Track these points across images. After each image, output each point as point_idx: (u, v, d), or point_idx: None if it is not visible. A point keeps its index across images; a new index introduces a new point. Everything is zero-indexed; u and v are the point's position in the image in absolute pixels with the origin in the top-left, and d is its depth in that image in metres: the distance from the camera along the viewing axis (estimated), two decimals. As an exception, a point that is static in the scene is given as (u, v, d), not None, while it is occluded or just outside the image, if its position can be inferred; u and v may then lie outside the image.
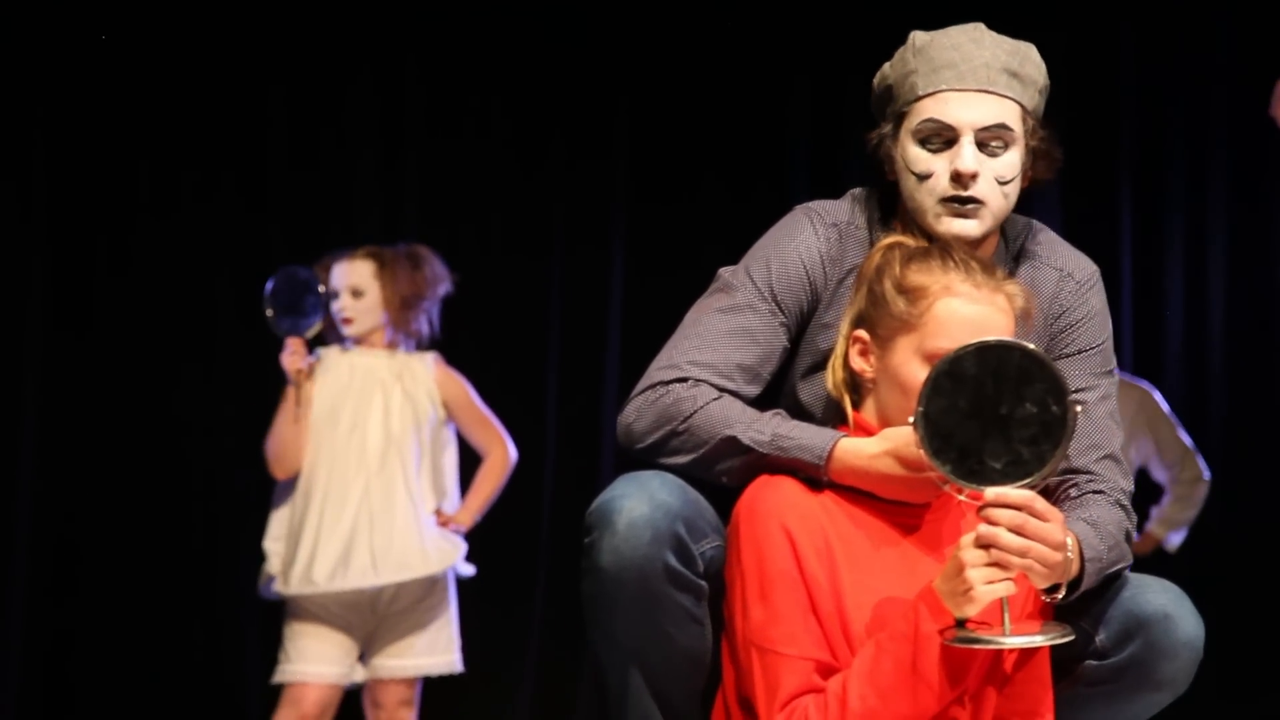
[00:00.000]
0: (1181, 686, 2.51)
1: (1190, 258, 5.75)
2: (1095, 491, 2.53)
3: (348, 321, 4.55)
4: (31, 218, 5.40)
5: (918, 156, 2.54)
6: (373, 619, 4.49)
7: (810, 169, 5.68)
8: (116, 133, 5.45)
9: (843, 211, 2.65)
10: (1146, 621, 2.47)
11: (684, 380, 2.52)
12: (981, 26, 2.58)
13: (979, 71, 2.53)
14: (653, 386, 2.53)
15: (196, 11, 5.51)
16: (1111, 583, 2.50)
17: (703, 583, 2.45)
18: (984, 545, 2.23)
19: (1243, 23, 5.68)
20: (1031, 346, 2.26)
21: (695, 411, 2.48)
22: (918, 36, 2.58)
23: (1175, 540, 5.15)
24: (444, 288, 4.67)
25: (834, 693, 2.33)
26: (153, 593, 5.41)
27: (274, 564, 4.50)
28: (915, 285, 2.42)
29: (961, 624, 2.28)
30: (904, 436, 2.35)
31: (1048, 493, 2.50)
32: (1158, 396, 5.21)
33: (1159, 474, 5.24)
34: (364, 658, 4.53)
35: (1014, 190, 2.55)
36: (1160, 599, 2.49)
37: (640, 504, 2.40)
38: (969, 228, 2.52)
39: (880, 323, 2.44)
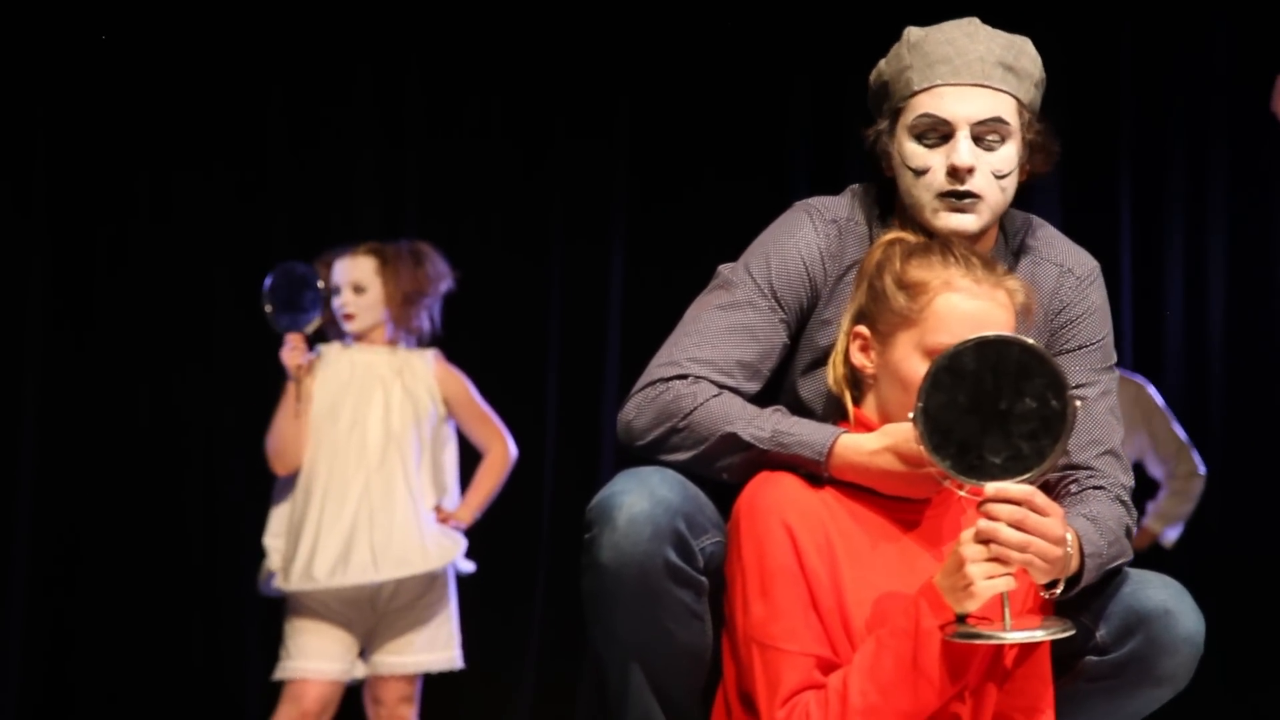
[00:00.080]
0: (1182, 682, 2.51)
1: (1190, 253, 5.75)
2: (1095, 487, 2.53)
3: (349, 317, 4.55)
4: (32, 215, 5.40)
5: (914, 152, 2.54)
6: (373, 615, 4.49)
7: (810, 166, 5.68)
8: (117, 131, 5.45)
9: (842, 208, 2.65)
10: (1147, 617, 2.47)
11: (684, 377, 2.52)
12: (976, 21, 2.58)
13: (974, 66, 2.53)
14: (653, 383, 2.54)
15: (196, 9, 5.51)
16: (1112, 578, 2.50)
17: (703, 578, 2.45)
18: (984, 540, 2.24)
19: (1242, 18, 5.68)
20: (1031, 341, 2.27)
21: (695, 408, 2.49)
22: (912, 32, 2.59)
23: (1171, 535, 5.15)
24: (446, 284, 4.67)
25: (835, 688, 2.33)
26: (153, 589, 5.41)
27: (274, 560, 4.50)
28: (915, 281, 2.42)
29: (962, 619, 2.28)
30: (904, 432, 2.35)
31: (1048, 488, 2.50)
32: (1152, 391, 5.21)
33: (1154, 469, 5.24)
34: (364, 654, 4.53)
35: (1011, 184, 2.55)
36: (1161, 594, 2.49)
37: (640, 500, 2.40)
38: (966, 222, 2.52)
39: (881, 318, 2.44)
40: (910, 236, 2.52)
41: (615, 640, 2.47)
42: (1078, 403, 2.27)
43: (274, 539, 4.53)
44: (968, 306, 2.40)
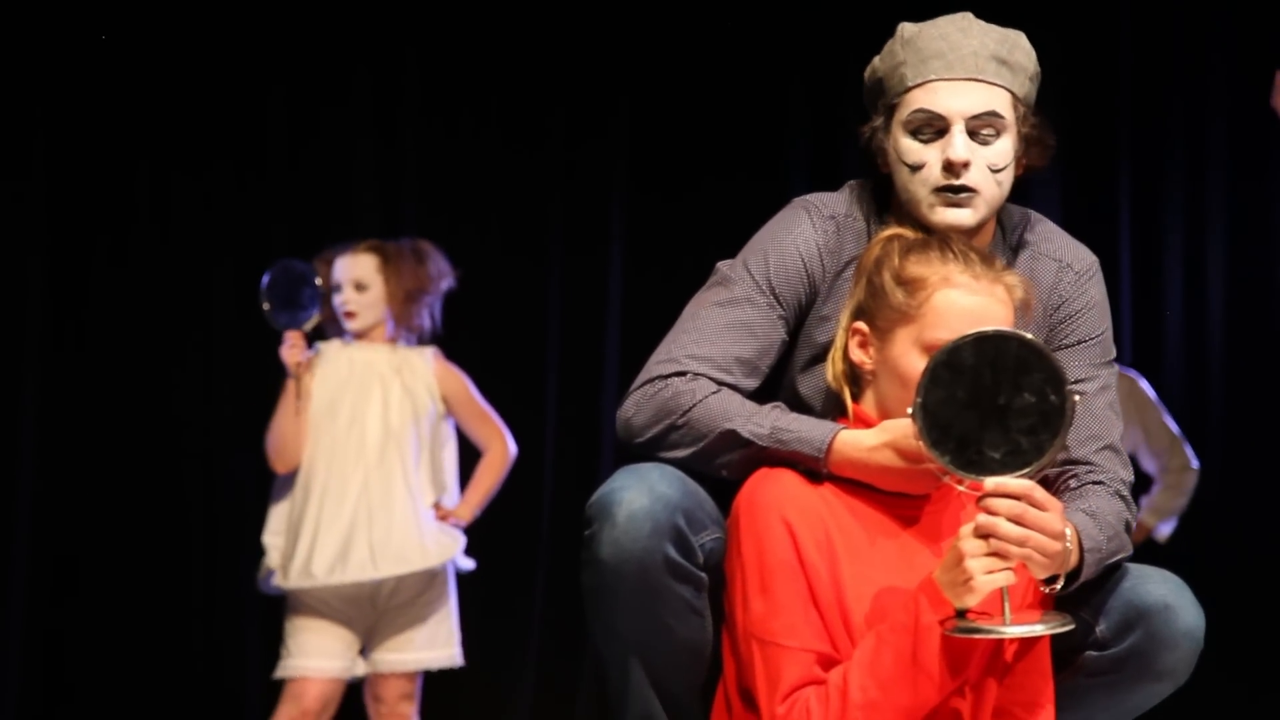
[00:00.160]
0: (1182, 677, 2.51)
1: (1189, 249, 5.75)
2: (1095, 482, 2.53)
3: (351, 315, 4.55)
4: (31, 215, 5.40)
5: (909, 147, 2.54)
6: (373, 613, 4.49)
7: (809, 164, 5.68)
8: (116, 131, 5.45)
9: (840, 204, 2.65)
10: (1147, 612, 2.47)
11: (682, 374, 2.52)
12: (969, 16, 2.59)
13: (967, 60, 2.53)
14: (651, 380, 2.54)
15: (195, 9, 5.51)
16: (1111, 573, 2.50)
17: (703, 574, 2.45)
18: (983, 535, 2.24)
19: (1242, 13, 5.68)
20: (1029, 336, 2.26)
21: (694, 405, 2.49)
22: (905, 28, 2.59)
23: (1165, 530, 5.15)
24: (447, 283, 4.67)
25: (835, 684, 2.33)
26: (152, 588, 5.41)
27: (273, 558, 4.50)
28: (914, 277, 2.42)
29: (962, 614, 2.28)
30: (903, 428, 2.35)
31: (1047, 483, 2.50)
32: (1144, 385, 5.21)
33: (1147, 463, 5.23)
34: (365, 652, 4.54)
35: (1007, 178, 2.55)
36: (1160, 589, 2.49)
37: (640, 496, 2.40)
38: (963, 217, 2.52)
39: (879, 314, 2.45)
40: (908, 232, 2.52)
41: (615, 636, 2.47)
42: (1076, 397, 2.27)
43: (273, 537, 4.53)
44: (966, 302, 2.40)
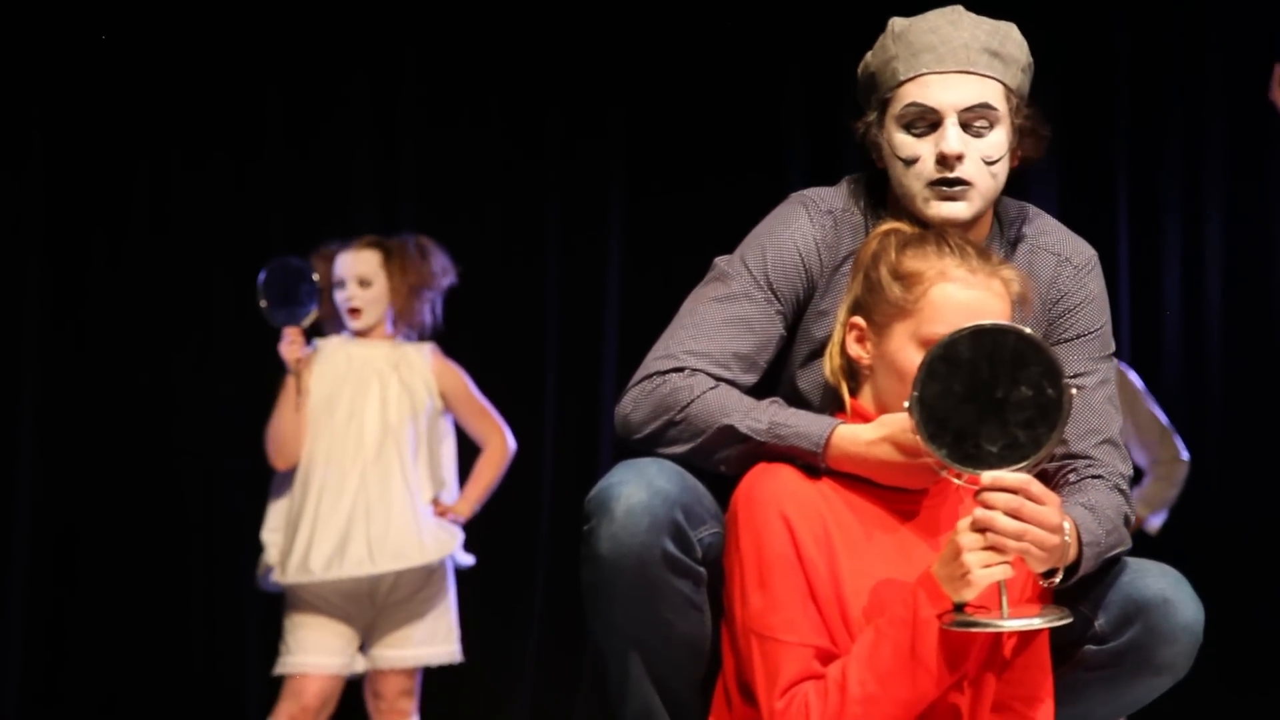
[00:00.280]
0: (1181, 671, 2.51)
1: (1187, 243, 5.75)
2: (1094, 476, 2.52)
3: (356, 312, 4.55)
4: (29, 214, 5.40)
5: (903, 142, 2.54)
6: (372, 609, 4.49)
7: (807, 160, 5.68)
8: (114, 130, 5.45)
9: (838, 198, 2.65)
10: (1146, 606, 2.47)
11: (680, 370, 2.52)
12: (960, 8, 2.58)
13: (958, 53, 2.53)
14: (649, 377, 2.53)
15: (193, 8, 5.50)
16: (1110, 567, 2.49)
17: (701, 569, 2.45)
18: (980, 529, 2.23)
19: (1240, 5, 5.67)
20: (1026, 330, 2.26)
21: (692, 401, 2.48)
22: (896, 22, 2.59)
23: (1156, 522, 5.14)
24: (449, 279, 4.68)
25: (834, 679, 2.33)
26: (152, 585, 5.41)
27: (272, 554, 4.50)
28: (911, 271, 2.42)
29: (960, 608, 2.28)
30: (900, 422, 2.35)
31: (1046, 478, 2.50)
32: (1133, 376, 5.20)
33: (1137, 454, 5.22)
34: (364, 648, 4.54)
35: (1002, 170, 2.55)
36: (1160, 583, 2.49)
37: (638, 491, 2.40)
38: (958, 210, 2.52)
39: (876, 309, 2.44)
40: (905, 227, 2.52)
41: (614, 631, 2.47)
42: (1074, 391, 2.27)
43: (272, 533, 4.53)
44: (963, 296, 2.40)
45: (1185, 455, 5.09)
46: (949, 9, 2.58)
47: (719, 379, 2.52)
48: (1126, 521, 2.51)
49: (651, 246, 5.64)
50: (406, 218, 5.48)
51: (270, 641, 4.60)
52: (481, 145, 5.69)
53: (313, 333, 4.60)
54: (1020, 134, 2.58)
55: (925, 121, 2.53)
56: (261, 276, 4.58)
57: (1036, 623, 2.31)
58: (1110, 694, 2.54)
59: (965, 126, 2.52)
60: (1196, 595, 2.50)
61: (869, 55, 2.62)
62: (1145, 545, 4.97)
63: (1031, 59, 2.60)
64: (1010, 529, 2.23)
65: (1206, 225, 5.74)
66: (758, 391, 2.55)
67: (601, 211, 5.71)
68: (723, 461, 2.49)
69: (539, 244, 5.71)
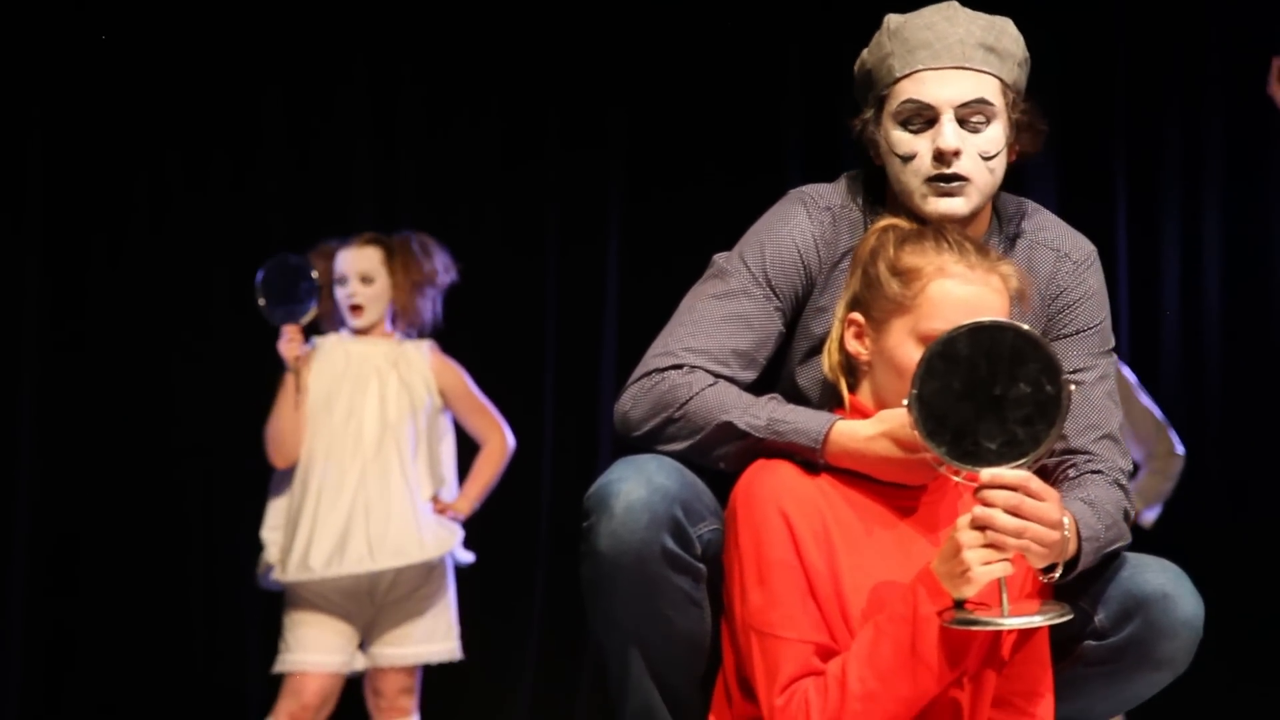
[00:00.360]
0: (1181, 666, 2.51)
1: (1186, 238, 5.75)
2: (1093, 471, 2.53)
3: (357, 309, 4.55)
4: (28, 214, 5.40)
5: (900, 139, 2.54)
6: (371, 607, 4.50)
7: (806, 158, 5.68)
8: (113, 130, 5.45)
9: (836, 195, 2.65)
10: (1146, 601, 2.47)
11: (679, 367, 2.52)
12: (955, 4, 2.58)
13: (954, 48, 2.53)
14: (648, 374, 2.53)
15: (192, 8, 5.50)
16: (1110, 562, 2.50)
17: (701, 565, 2.45)
18: (980, 526, 2.24)
19: (1239, 2, 5.67)
20: (1025, 326, 2.26)
21: (691, 398, 2.48)
22: (892, 19, 2.59)
23: (1150, 516, 5.14)
24: (450, 276, 4.68)
25: (834, 675, 2.33)
26: (152, 584, 5.41)
27: (272, 553, 4.50)
28: (909, 267, 2.42)
29: (960, 605, 2.28)
30: (899, 418, 2.35)
31: (1046, 473, 2.50)
32: (1126, 371, 5.20)
33: (1132, 449, 5.21)
34: (364, 646, 4.54)
35: (999, 165, 2.55)
36: (1159, 578, 2.49)
37: (638, 487, 2.40)
38: (956, 206, 2.52)
39: (875, 305, 2.44)
40: (903, 223, 2.52)
41: (615, 628, 2.47)
42: (1073, 387, 2.27)
43: (271, 532, 4.53)
44: (961, 292, 2.40)
45: (1180, 449, 5.09)
46: (944, 5, 2.58)
47: (718, 376, 2.52)
48: (1126, 516, 2.51)
49: (650, 244, 5.64)
50: (406, 217, 5.47)
51: (270, 640, 4.60)
52: (480, 143, 5.69)
53: (310, 331, 4.59)
54: (1017, 129, 2.58)
55: (922, 118, 2.53)
56: (260, 275, 4.58)
57: (1037, 620, 2.30)
58: (1110, 689, 2.54)
59: (962, 122, 2.52)
60: (1196, 590, 2.50)
61: (865, 52, 2.62)
62: (1144, 541, 4.98)
63: (1028, 53, 2.60)
64: (1010, 526, 2.23)
65: (1205, 220, 5.73)
66: (757, 388, 2.55)
67: (600, 209, 5.71)
68: (722, 458, 2.49)
69: (538, 242, 5.71)
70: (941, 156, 2.50)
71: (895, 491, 2.44)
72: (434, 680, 4.67)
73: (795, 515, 2.38)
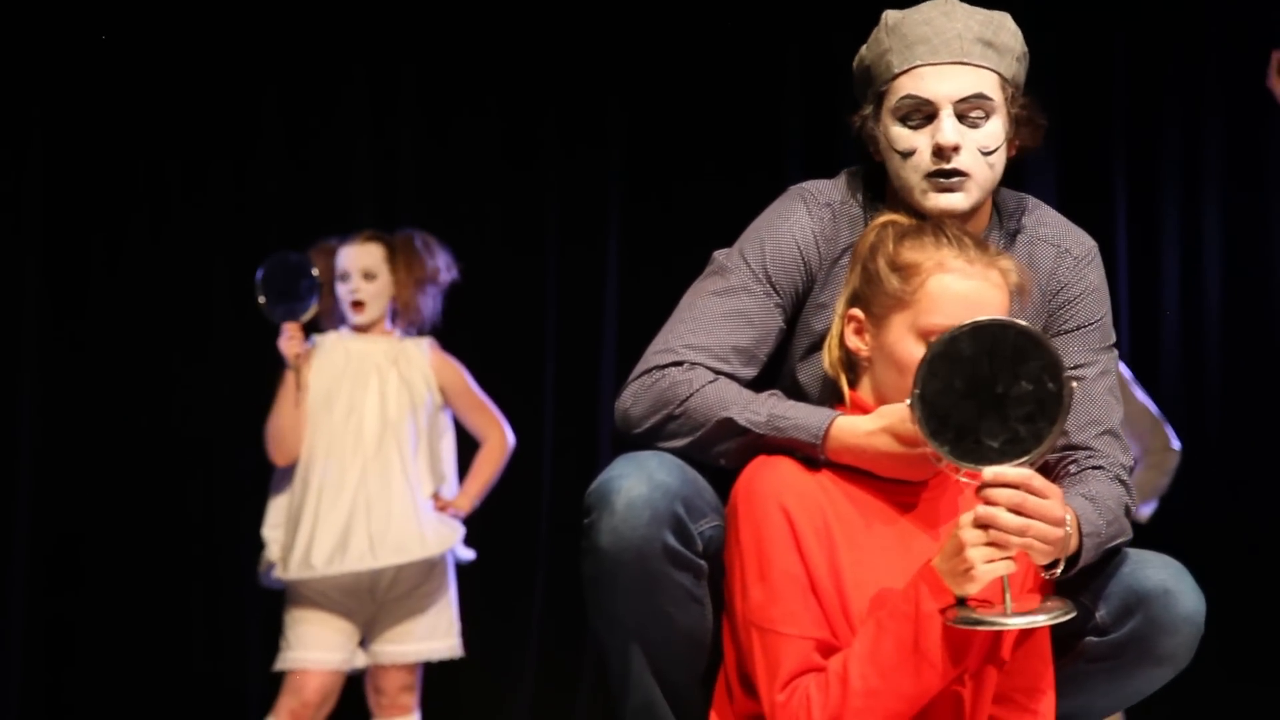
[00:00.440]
0: (1182, 662, 2.51)
1: (1186, 233, 5.75)
2: (1094, 467, 2.53)
3: (358, 305, 4.55)
4: (28, 214, 5.40)
5: (899, 134, 2.54)
6: (372, 604, 4.50)
7: (806, 156, 5.67)
8: (113, 130, 5.45)
9: (836, 191, 2.65)
10: (1147, 597, 2.47)
11: (680, 364, 2.52)
12: (953, 0, 2.59)
13: (952, 44, 2.53)
14: (649, 371, 2.54)
15: (191, 5, 5.50)
16: (1111, 558, 2.50)
17: (702, 562, 2.45)
18: (983, 525, 2.24)
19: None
20: (1026, 324, 2.26)
21: (691, 395, 2.48)
22: (890, 15, 2.59)
23: (1146, 511, 5.13)
24: (451, 274, 4.69)
25: (835, 672, 2.33)
26: (153, 583, 5.41)
27: (273, 551, 4.50)
28: (908, 262, 2.42)
29: (962, 602, 2.28)
30: (899, 413, 2.35)
31: (1047, 469, 2.50)
32: (1120, 366, 5.20)
33: (1129, 444, 5.21)
34: (365, 643, 4.54)
35: (999, 160, 2.55)
36: (1160, 574, 2.49)
37: (639, 484, 2.40)
38: (955, 201, 2.51)
39: (875, 301, 2.44)
40: (903, 219, 2.52)
41: (615, 624, 2.47)
42: (1075, 384, 2.27)
43: (272, 530, 4.53)
44: (960, 287, 2.40)
45: (1176, 444, 5.09)
46: (942, 0, 2.58)
47: (718, 373, 2.52)
48: (1127, 512, 2.51)
49: (650, 242, 5.64)
50: (405, 216, 5.47)
51: (271, 637, 4.60)
52: (479, 142, 5.68)
53: (310, 329, 4.59)
54: (1017, 123, 2.58)
55: (921, 113, 2.53)
56: (260, 273, 4.57)
57: (1040, 619, 2.30)
58: (1111, 685, 2.54)
59: (961, 117, 2.52)
60: (1197, 586, 2.50)
61: (864, 49, 2.62)
62: (1144, 539, 4.98)
63: (1026, 48, 2.60)
64: (1013, 525, 2.23)
65: (1205, 219, 5.73)
66: (757, 385, 2.55)
67: (600, 207, 5.71)
68: (722, 454, 2.49)
69: (538, 240, 5.71)
70: (941, 152, 2.50)
71: (896, 487, 2.44)
72: (435, 677, 4.67)
73: (796, 511, 2.38)
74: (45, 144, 5.42)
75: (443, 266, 4.64)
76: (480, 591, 4.97)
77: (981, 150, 2.52)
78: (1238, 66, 5.52)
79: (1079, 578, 2.43)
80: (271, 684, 4.61)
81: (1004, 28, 2.57)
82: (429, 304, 4.63)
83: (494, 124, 5.70)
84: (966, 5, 2.58)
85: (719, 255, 2.63)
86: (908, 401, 2.25)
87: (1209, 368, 5.72)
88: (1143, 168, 5.75)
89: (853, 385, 2.51)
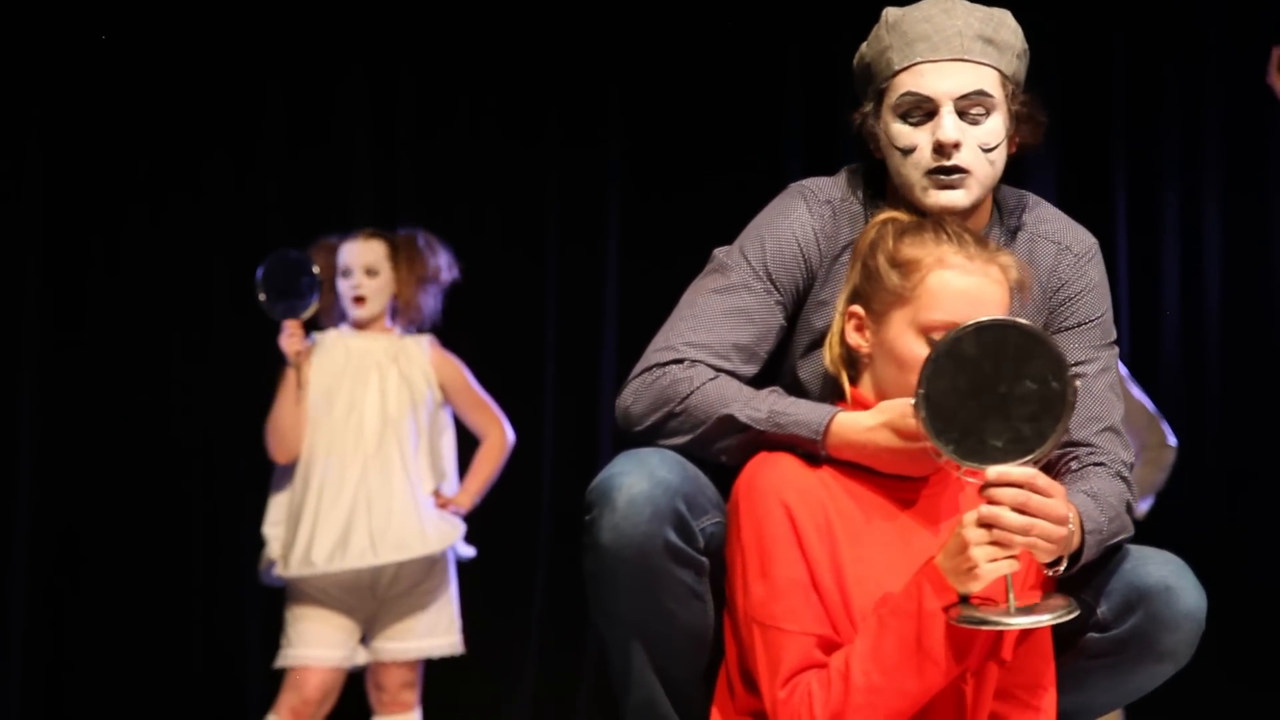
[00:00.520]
0: (1184, 658, 2.51)
1: (1186, 230, 5.75)
2: (1096, 464, 2.53)
3: (360, 300, 4.55)
4: (27, 213, 5.40)
5: (900, 131, 2.54)
6: (373, 601, 4.50)
7: (806, 155, 5.67)
8: (112, 129, 5.45)
9: (836, 188, 2.65)
10: (1148, 593, 2.47)
11: (680, 361, 2.52)
12: None
13: (952, 40, 2.53)
14: (649, 369, 2.54)
15: (190, 7, 5.50)
16: (1112, 555, 2.50)
17: (703, 559, 2.45)
18: (986, 524, 2.24)
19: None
20: (1030, 324, 2.27)
21: (692, 392, 2.49)
22: (890, 12, 2.59)
23: (1142, 507, 5.13)
24: (453, 274, 4.69)
25: (837, 669, 2.33)
26: (153, 581, 5.41)
27: (273, 549, 4.50)
28: (908, 259, 2.42)
29: (965, 600, 2.28)
30: (900, 408, 2.36)
31: (1048, 466, 2.50)
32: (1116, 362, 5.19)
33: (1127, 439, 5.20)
34: (366, 640, 4.54)
35: (1000, 157, 2.55)
36: (1161, 570, 2.49)
37: (640, 481, 2.40)
38: (956, 198, 2.52)
39: (875, 297, 2.45)
40: (903, 216, 2.52)
41: (617, 621, 2.47)
42: (1078, 382, 2.27)
43: (273, 527, 4.53)
44: (960, 283, 2.40)
45: (1172, 440, 5.09)
46: None
47: (719, 370, 2.52)
48: (1128, 509, 2.51)
49: (650, 242, 5.64)
50: (405, 214, 5.47)
51: (271, 635, 4.60)
52: (479, 140, 5.68)
53: (310, 326, 4.59)
54: (1017, 120, 2.58)
55: (921, 110, 2.53)
56: (260, 271, 4.57)
57: (1045, 619, 2.30)
58: (1113, 681, 2.55)
59: (962, 114, 2.52)
60: (1199, 582, 2.50)
61: (864, 46, 2.63)
62: (1144, 537, 4.97)
63: (1026, 45, 2.60)
64: (1017, 524, 2.23)
65: (1205, 217, 5.73)
66: (758, 382, 2.56)
67: (600, 204, 5.71)
68: (723, 451, 2.49)
69: (538, 237, 5.70)
70: (941, 149, 2.50)
71: (897, 484, 2.44)
72: (436, 674, 4.68)
73: (797, 507, 2.38)
74: (45, 143, 5.42)
75: (444, 266, 4.64)
76: (481, 588, 4.97)
77: (982, 147, 2.52)
78: (1238, 66, 5.52)
79: (1080, 574, 2.44)
80: (272, 681, 4.61)
81: (1004, 25, 2.57)
82: (430, 303, 4.63)
83: (494, 123, 5.70)
84: (967, 2, 2.58)
85: (719, 253, 2.63)
86: (912, 401, 2.26)
87: (1209, 367, 5.71)
88: (1143, 167, 5.74)
89: (854, 382, 2.51)
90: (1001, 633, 2.39)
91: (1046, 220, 2.66)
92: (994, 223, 2.63)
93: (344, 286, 4.56)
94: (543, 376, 5.65)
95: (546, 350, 5.67)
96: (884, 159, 2.59)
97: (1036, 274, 2.59)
